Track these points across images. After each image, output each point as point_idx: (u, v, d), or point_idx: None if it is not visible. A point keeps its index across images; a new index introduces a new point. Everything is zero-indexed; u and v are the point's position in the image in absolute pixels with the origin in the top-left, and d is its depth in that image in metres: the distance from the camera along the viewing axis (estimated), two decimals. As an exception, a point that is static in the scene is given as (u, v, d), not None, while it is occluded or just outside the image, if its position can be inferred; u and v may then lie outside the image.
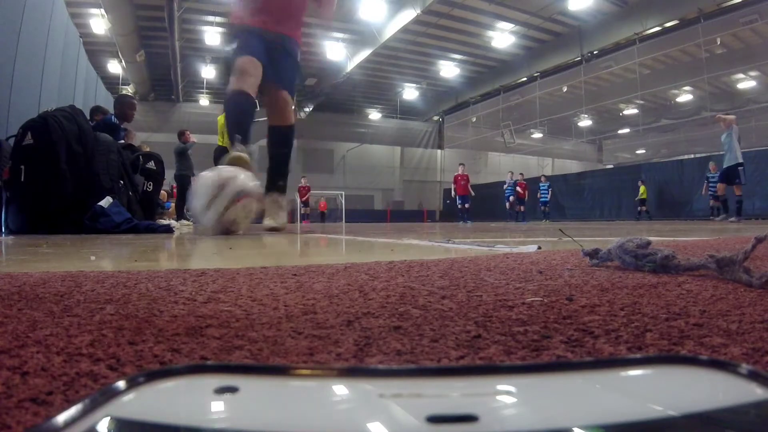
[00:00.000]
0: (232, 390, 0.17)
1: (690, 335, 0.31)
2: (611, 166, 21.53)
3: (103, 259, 1.16)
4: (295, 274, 0.68)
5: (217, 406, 0.16)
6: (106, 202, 3.05)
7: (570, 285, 0.51)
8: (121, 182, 3.57)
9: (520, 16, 15.12)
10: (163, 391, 0.17)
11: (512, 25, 15.75)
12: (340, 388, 0.18)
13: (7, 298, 0.46)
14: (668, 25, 15.55)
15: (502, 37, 16.29)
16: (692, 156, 16.72)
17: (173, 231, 3.31)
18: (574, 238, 1.09)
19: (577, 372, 0.18)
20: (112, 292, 0.50)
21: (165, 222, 3.61)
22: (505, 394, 0.17)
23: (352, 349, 0.29)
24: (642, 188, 13.59)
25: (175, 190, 11.05)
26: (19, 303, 0.44)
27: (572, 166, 23.69)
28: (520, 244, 1.34)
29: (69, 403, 0.16)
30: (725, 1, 14.22)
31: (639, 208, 13.53)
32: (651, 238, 0.72)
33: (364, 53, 15.05)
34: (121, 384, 0.17)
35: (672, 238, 1.78)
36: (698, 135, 21.74)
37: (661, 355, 0.19)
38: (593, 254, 0.74)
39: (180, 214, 7.33)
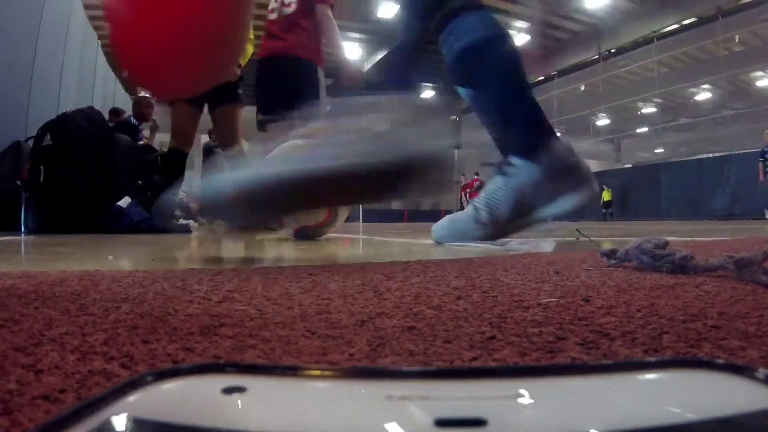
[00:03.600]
0: (240, 390, 0.17)
1: (708, 337, 0.30)
2: (629, 166, 21.39)
3: (121, 258, 1.17)
4: (310, 274, 0.68)
5: (225, 405, 0.16)
6: (124, 201, 3.08)
7: (586, 286, 0.51)
8: (139, 182, 3.60)
9: (535, 13, 15.07)
10: (171, 390, 0.17)
11: (528, 24, 15.69)
12: (349, 389, 0.18)
13: (24, 297, 0.46)
14: (686, 22, 15.42)
15: (518, 36, 16.22)
16: (711, 155, 16.58)
17: (191, 231, 3.33)
18: (591, 239, 1.09)
19: (589, 375, 0.18)
20: (127, 291, 0.50)
21: (184, 222, 3.63)
22: (515, 398, 0.16)
23: (365, 349, 0.29)
24: (606, 192, 14.35)
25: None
26: (36, 301, 0.44)
27: (591, 165, 23.53)
28: (538, 244, 1.34)
29: (78, 401, 0.16)
30: (743, -3, 14.08)
31: (604, 211, 14.14)
32: (669, 239, 0.71)
33: (382, 53, 15.07)
34: (126, 383, 0.17)
35: (691, 239, 1.76)
36: (717, 134, 21.53)
37: (676, 358, 0.19)
38: (610, 255, 0.73)
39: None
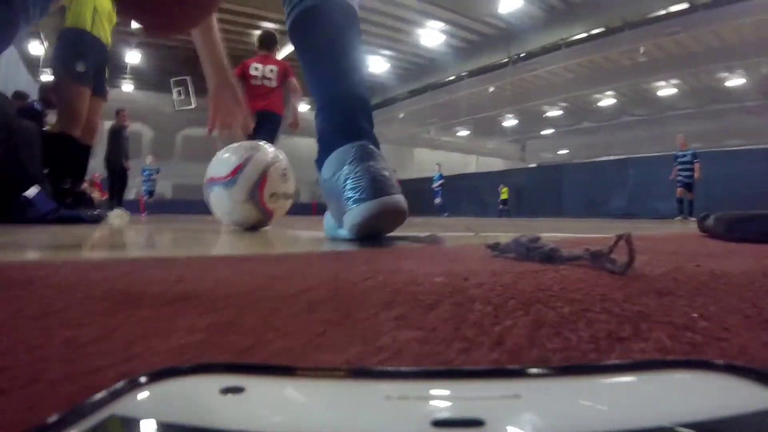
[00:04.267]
0: (239, 390, 0.17)
1: (542, 300, 0.43)
2: (534, 165, 22.27)
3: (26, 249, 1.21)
4: (240, 261, 0.78)
5: (223, 406, 0.16)
6: (31, 191, 3.00)
7: (468, 270, 0.64)
8: (45, 170, 3.50)
9: (450, 15, 15.38)
10: (168, 390, 0.18)
11: (442, 24, 15.99)
12: (347, 390, 0.18)
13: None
14: (594, 32, 16.11)
15: (432, 35, 16.53)
16: (611, 157, 17.47)
17: (101, 220, 3.29)
18: (482, 234, 1.24)
19: (586, 376, 0.18)
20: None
21: (94, 212, 3.56)
22: (513, 399, 0.16)
23: (304, 310, 0.40)
24: (504, 190, 15.21)
25: (97, 179, 10.50)
26: None
27: (496, 164, 24.30)
28: (436, 237, 1.48)
29: (72, 402, 0.16)
30: (651, 11, 14.87)
31: (500, 207, 14.97)
32: (564, 234, 0.86)
33: (288, 48, 14.98)
34: (125, 383, 0.17)
35: (582, 235, 1.97)
36: (618, 138, 22.76)
37: (675, 359, 0.19)
38: (494, 247, 0.86)
39: (112, 204, 7.09)
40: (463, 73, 18.90)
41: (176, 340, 0.31)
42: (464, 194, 16.58)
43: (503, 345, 0.31)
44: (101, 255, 1.08)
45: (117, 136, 7.95)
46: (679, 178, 9.52)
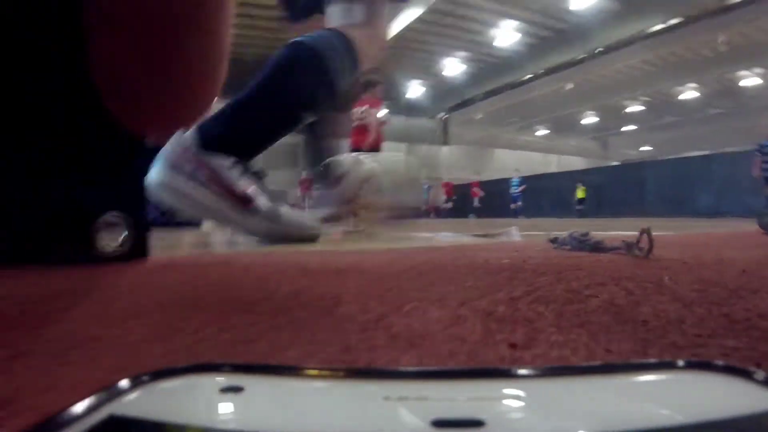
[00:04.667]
0: (238, 389, 0.17)
1: (571, 271, 0.66)
2: (617, 163, 21.76)
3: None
4: (351, 254, 1.04)
5: (222, 405, 0.17)
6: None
7: (530, 257, 0.87)
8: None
9: (524, 13, 15.30)
10: (168, 389, 0.18)
11: (516, 23, 15.93)
12: (346, 390, 0.19)
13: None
14: (672, 22, 15.61)
15: (507, 34, 16.49)
16: (696, 153, 16.88)
17: (197, 225, 3.66)
18: (541, 231, 1.46)
19: (587, 377, 0.19)
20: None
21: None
22: (513, 399, 0.17)
23: (414, 275, 0.65)
24: (579, 190, 14.88)
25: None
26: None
27: (577, 163, 23.88)
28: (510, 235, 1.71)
29: (72, 402, 0.16)
30: (729, -1, 14.28)
31: (578, 207, 14.64)
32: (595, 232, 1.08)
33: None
34: (124, 382, 0.17)
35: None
36: (702, 132, 21.94)
37: (675, 360, 0.21)
38: (554, 240, 1.09)
39: None
40: (540, 71, 18.75)
41: (359, 288, 0.57)
42: (544, 194, 16.48)
43: (536, 292, 0.55)
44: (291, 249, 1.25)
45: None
46: (766, 175, 8.67)
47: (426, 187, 12.83)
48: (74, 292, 0.58)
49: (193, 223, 3.61)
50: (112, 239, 0.94)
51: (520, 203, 15.10)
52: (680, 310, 0.45)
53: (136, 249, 0.96)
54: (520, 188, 15.42)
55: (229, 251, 1.35)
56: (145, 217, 1.00)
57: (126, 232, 0.95)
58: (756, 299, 0.50)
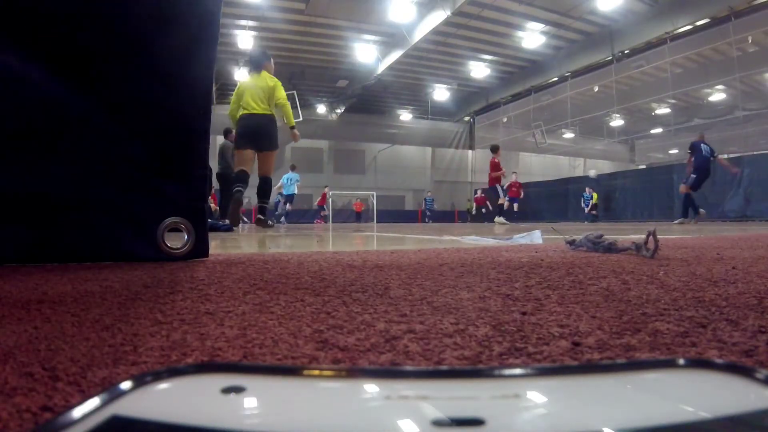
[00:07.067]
0: (239, 390, 0.17)
1: (585, 272, 0.78)
2: (644, 167, 21.49)
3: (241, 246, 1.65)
4: (386, 251, 1.16)
5: (224, 405, 0.17)
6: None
7: (547, 256, 0.99)
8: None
9: (550, 16, 15.25)
10: (170, 390, 0.18)
11: (542, 25, 15.87)
12: (347, 389, 0.19)
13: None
14: (699, 23, 15.45)
15: (533, 37, 16.45)
16: (725, 156, 16.63)
17: (233, 230, 3.84)
18: (561, 234, 1.58)
19: (587, 376, 0.19)
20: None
21: (226, 222, 4.15)
22: (512, 398, 0.17)
23: (443, 270, 0.76)
24: (594, 195, 14.88)
25: (213, 190, 11.14)
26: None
27: (604, 166, 23.66)
28: (532, 237, 1.82)
29: (77, 402, 0.16)
30: (756, -1, 14.09)
31: (592, 213, 14.64)
32: (610, 236, 1.18)
33: (395, 55, 15.36)
34: (127, 383, 0.17)
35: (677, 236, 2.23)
36: (731, 134, 21.58)
37: (676, 359, 0.20)
38: (571, 242, 1.20)
39: (224, 213, 7.64)
40: (566, 74, 18.66)
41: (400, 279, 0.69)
42: (569, 198, 16.35)
43: (547, 281, 0.66)
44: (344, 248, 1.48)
45: (226, 154, 8.52)
46: None
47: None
48: (167, 282, 0.71)
49: (229, 228, 3.79)
50: (178, 241, 1.07)
51: (595, 212, 14.85)
52: (661, 294, 0.56)
53: (198, 249, 1.10)
54: (590, 206, 15.20)
55: (271, 251, 1.47)
56: (206, 221, 1.13)
57: (191, 236, 1.08)
58: (729, 288, 0.61)
